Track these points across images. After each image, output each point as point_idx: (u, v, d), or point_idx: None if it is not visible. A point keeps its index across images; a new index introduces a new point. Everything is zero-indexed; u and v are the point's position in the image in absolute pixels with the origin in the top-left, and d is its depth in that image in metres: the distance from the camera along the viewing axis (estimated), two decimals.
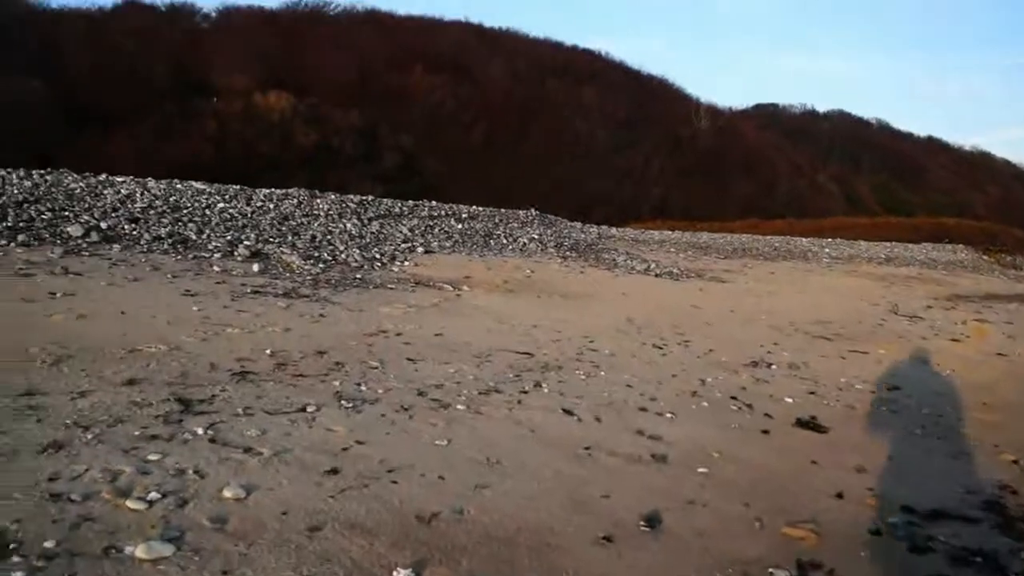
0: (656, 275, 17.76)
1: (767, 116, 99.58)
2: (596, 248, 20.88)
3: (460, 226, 19.50)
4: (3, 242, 11.23)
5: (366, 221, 17.65)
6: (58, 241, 11.78)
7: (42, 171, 16.68)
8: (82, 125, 47.47)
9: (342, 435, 5.50)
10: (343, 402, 6.17)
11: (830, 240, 33.99)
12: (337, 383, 6.71)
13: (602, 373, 8.29)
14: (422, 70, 60.85)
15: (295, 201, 17.89)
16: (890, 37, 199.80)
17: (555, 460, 5.56)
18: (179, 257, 12.12)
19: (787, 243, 30.34)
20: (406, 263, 14.45)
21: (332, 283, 12.01)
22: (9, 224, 12.09)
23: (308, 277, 12.16)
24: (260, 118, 54.59)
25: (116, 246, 12.05)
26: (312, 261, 13.20)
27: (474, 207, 22.86)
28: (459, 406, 6.47)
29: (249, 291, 10.54)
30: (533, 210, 24.42)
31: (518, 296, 13.14)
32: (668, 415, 6.98)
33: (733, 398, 7.88)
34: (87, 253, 11.39)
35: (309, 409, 5.89)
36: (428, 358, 8.03)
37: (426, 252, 15.74)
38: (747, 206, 67.78)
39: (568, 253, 19.01)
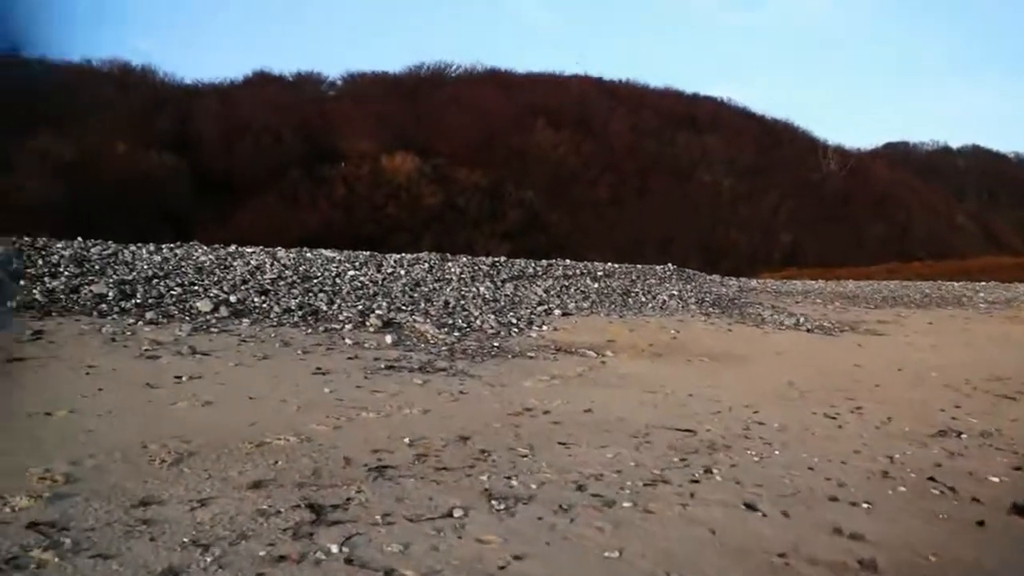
0: (808, 330, 16.53)
1: (898, 155, 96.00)
2: (739, 303, 19.73)
3: (596, 285, 18.66)
4: (131, 321, 10.89)
5: (499, 284, 17.01)
6: (187, 318, 11.41)
7: (172, 245, 16.59)
8: (213, 195, 48.67)
9: (496, 547, 4.68)
10: (493, 502, 5.37)
11: (983, 284, 31.82)
12: (485, 477, 5.91)
13: (776, 453, 7.28)
14: (544, 126, 60.64)
15: (426, 266, 17.37)
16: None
17: (747, 574, 4.61)
18: (309, 330, 11.61)
19: (937, 288, 28.45)
20: (544, 327, 13.67)
21: (469, 353, 11.29)
22: (138, 301, 11.79)
23: (443, 348, 11.47)
24: (387, 181, 55.10)
25: (245, 321, 11.62)
26: (447, 329, 12.54)
27: (609, 264, 21.99)
28: (625, 503, 5.58)
29: (383, 366, 9.89)
30: (670, 265, 23.42)
31: (666, 360, 12.18)
32: (864, 505, 5.94)
33: (931, 479, 6.74)
34: (216, 330, 10.97)
35: (456, 513, 5.10)
36: (581, 440, 7.17)
37: (564, 315, 14.95)
38: (882, 249, 65.01)
39: (711, 310, 17.94)
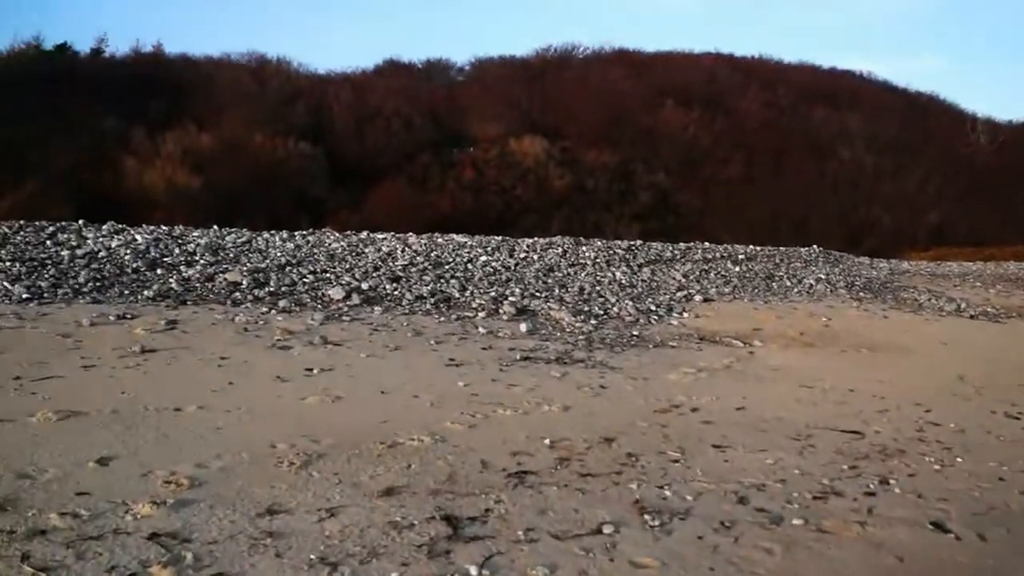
0: (971, 316, 15.34)
1: None
2: (891, 287, 18.54)
3: (737, 268, 17.78)
4: (264, 309, 10.70)
5: (636, 268, 16.34)
6: (319, 306, 11.16)
7: (304, 232, 16.47)
8: (347, 181, 49.23)
9: (654, 572, 4.10)
10: (646, 517, 4.80)
11: None
12: (634, 486, 5.34)
13: (959, 460, 6.48)
14: (674, 105, 59.24)
15: (559, 250, 16.81)
16: None
17: None
18: (441, 319, 11.22)
19: None
20: (685, 314, 12.97)
21: (608, 343, 10.71)
22: (272, 289, 11.61)
23: (580, 337, 10.91)
24: (515, 164, 54.81)
25: (377, 308, 11.29)
26: (582, 317, 11.97)
27: (751, 247, 21.00)
28: (794, 520, 4.93)
29: (519, 357, 9.39)
30: (815, 247, 22.24)
31: (819, 351, 11.34)
32: None
33: None
34: (347, 318, 10.66)
35: (606, 530, 4.57)
36: (736, 442, 6.52)
37: (705, 300, 14.19)
38: None
39: (862, 294, 16.87)
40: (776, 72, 68.80)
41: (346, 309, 11.13)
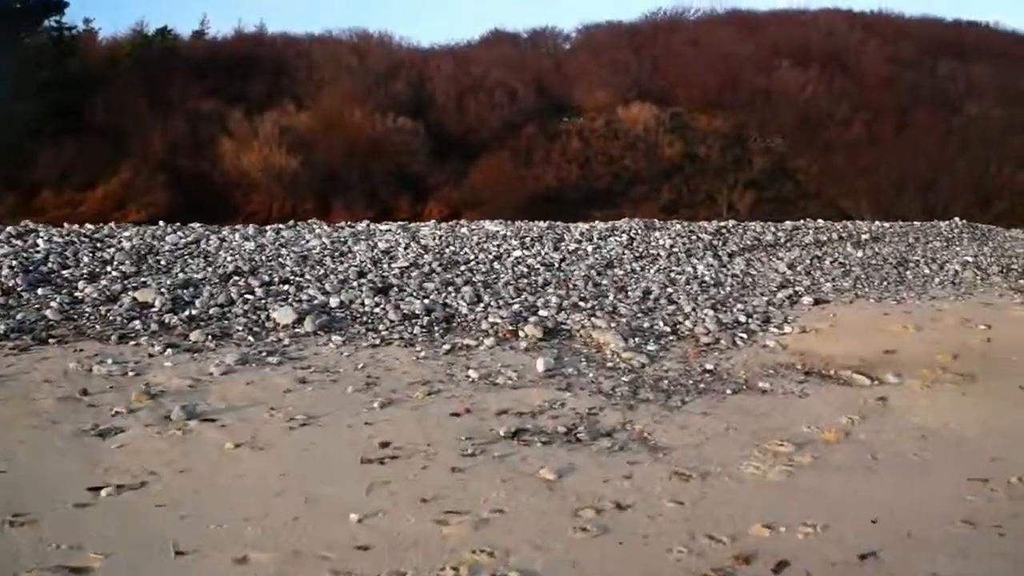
0: None
1: None
2: None
3: (859, 253, 13.36)
4: (156, 349, 7.14)
5: (725, 258, 12.21)
6: (250, 338, 7.61)
7: (282, 225, 12.89)
8: (449, 156, 46.10)
9: None
10: None
11: None
12: None
13: None
14: (790, 66, 53.79)
15: (624, 238, 12.66)
16: None
17: None
18: (425, 352, 7.48)
19: None
20: (788, 327, 8.90)
21: (664, 388, 6.83)
22: (194, 312, 8.06)
23: (626, 378, 7.07)
24: (624, 132, 50.62)
25: (336, 338, 7.65)
26: (637, 339, 8.07)
27: (876, 223, 16.29)
28: None
29: (504, 433, 5.61)
30: (958, 220, 17.46)
31: (985, 389, 7.19)
32: None
33: None
34: (274, 360, 7.02)
35: None
36: None
37: (816, 302, 10.02)
38: None
39: (1022, 282, 12.40)
40: (897, 26, 62.22)
41: (286, 342, 7.53)
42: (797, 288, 10.73)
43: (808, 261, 12.49)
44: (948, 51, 59.95)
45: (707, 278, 10.80)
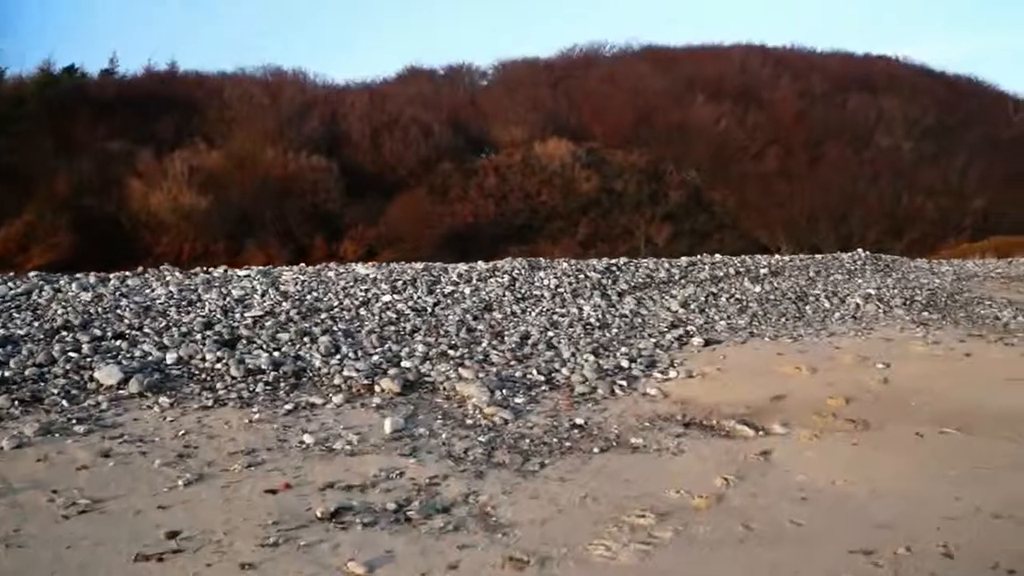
0: None
1: None
2: (962, 299, 13.48)
3: (757, 288, 12.73)
4: None
5: (614, 298, 11.49)
6: (63, 401, 6.62)
7: (125, 274, 11.77)
8: (363, 193, 45.22)
9: None
10: None
11: None
12: None
13: None
14: (704, 100, 54.26)
15: (506, 279, 11.86)
16: None
17: None
18: (260, 413, 6.58)
19: None
20: (673, 372, 8.16)
21: (524, 449, 6.01)
22: (6, 374, 7.05)
23: (483, 438, 6.23)
24: (540, 168, 50.32)
25: (164, 399, 6.71)
26: (505, 392, 7.27)
27: (776, 257, 15.72)
28: None
29: (321, 515, 4.72)
30: (861, 251, 17.00)
31: (876, 438, 6.54)
32: None
33: None
34: (82, 429, 6.04)
35: None
36: None
37: (708, 343, 9.35)
38: None
39: (926, 314, 11.90)
40: (809, 61, 63.32)
41: (105, 406, 6.55)
42: (689, 328, 10.01)
43: (703, 298, 11.80)
44: (859, 85, 61.15)
45: (593, 320, 10.03)
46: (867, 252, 16.98)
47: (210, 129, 45.84)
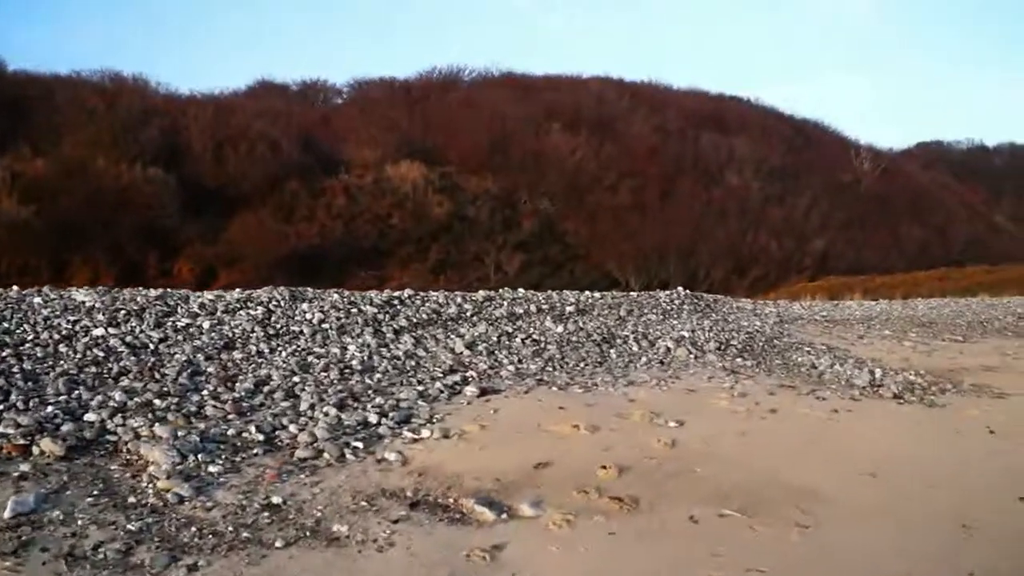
0: (895, 396, 9.59)
1: (932, 154, 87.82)
2: (781, 345, 12.64)
3: (560, 328, 11.49)
4: None
5: (390, 336, 10.03)
6: None
7: None
8: (203, 209, 42.73)
9: None
10: None
11: None
12: None
13: None
14: (560, 129, 53.94)
15: (259, 311, 10.29)
16: None
17: None
18: None
19: None
20: (425, 431, 6.81)
21: (185, 540, 4.58)
22: None
23: (130, 524, 4.74)
24: (392, 191, 48.77)
25: None
26: (202, 456, 5.78)
27: (587, 293, 14.55)
28: None
29: None
30: (681, 290, 16.06)
31: (641, 525, 5.31)
32: None
33: None
34: None
35: None
36: None
37: (483, 393, 8.04)
38: (920, 253, 57.80)
39: (740, 361, 10.97)
40: (665, 97, 64.10)
41: None
42: (469, 374, 8.70)
43: (495, 338, 10.50)
44: (711, 123, 62.20)
45: (356, 362, 8.58)
46: (687, 291, 16.07)
47: (37, 134, 42.51)
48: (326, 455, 6.09)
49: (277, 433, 6.43)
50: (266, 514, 5.09)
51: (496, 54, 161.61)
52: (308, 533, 4.89)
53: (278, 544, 4.71)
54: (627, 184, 53.62)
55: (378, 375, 8.31)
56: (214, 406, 6.79)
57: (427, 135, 51.75)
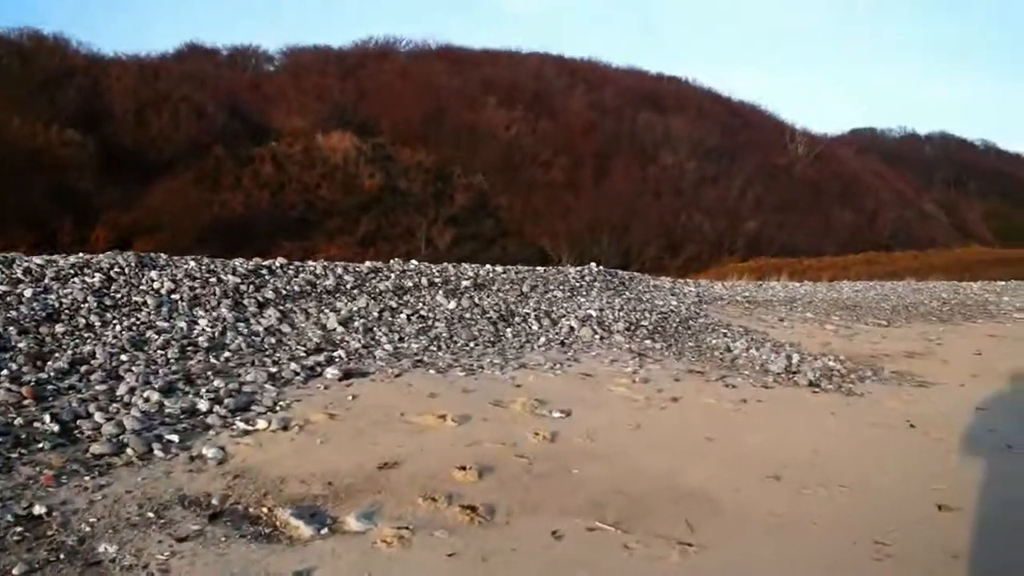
0: (812, 384, 8.76)
1: (865, 141, 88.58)
2: (696, 326, 11.80)
3: (452, 304, 10.49)
4: None
5: (252, 309, 8.89)
6: None
7: None
8: (122, 174, 40.84)
9: None
10: None
11: (1001, 283, 24.00)
12: None
13: None
14: (496, 104, 52.82)
15: (96, 278, 9.02)
16: (992, 55, 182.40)
17: None
18: None
19: (955, 292, 20.46)
20: (261, 422, 5.75)
21: None
22: None
23: None
24: (322, 161, 47.31)
25: None
26: None
27: (488, 267, 13.49)
28: None
29: None
30: (593, 265, 15.12)
31: (498, 542, 4.36)
32: None
33: None
34: None
35: None
36: None
37: (346, 376, 7.05)
38: (850, 238, 58.16)
39: (649, 342, 10.09)
40: (603, 75, 63.30)
41: None
42: (336, 354, 7.67)
43: (376, 314, 9.47)
44: (648, 103, 61.61)
45: (203, 339, 7.52)
46: (600, 267, 15.16)
47: None
48: (129, 450, 5.01)
49: (78, 423, 5.32)
50: (19, 528, 4.02)
51: (434, 26, 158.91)
52: (63, 555, 3.83)
53: (16, 571, 3.65)
54: (562, 161, 52.84)
55: (227, 354, 7.21)
56: (7, 389, 5.64)
57: (360, 105, 50.37)
